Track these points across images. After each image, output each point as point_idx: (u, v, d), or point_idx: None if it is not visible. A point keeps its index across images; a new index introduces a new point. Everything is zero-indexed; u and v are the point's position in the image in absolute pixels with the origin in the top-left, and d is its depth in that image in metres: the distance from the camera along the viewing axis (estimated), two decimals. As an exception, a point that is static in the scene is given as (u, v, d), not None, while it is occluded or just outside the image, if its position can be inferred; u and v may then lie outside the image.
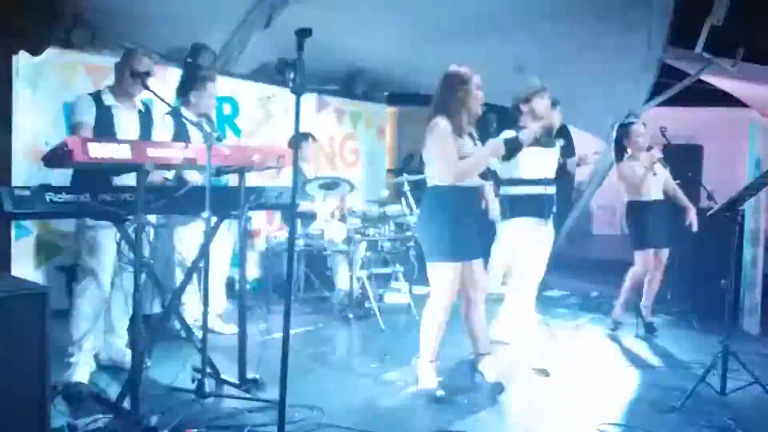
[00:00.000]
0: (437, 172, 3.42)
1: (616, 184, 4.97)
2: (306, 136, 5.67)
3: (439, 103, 3.43)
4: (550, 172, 4.23)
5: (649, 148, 4.77)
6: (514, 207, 4.18)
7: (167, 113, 4.08)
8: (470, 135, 3.51)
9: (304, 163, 5.61)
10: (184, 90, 4.39)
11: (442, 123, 3.35)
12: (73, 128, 3.47)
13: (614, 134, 5.40)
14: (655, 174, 4.73)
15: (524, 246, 4.18)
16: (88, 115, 3.43)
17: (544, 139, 4.11)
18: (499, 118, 5.68)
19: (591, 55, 4.89)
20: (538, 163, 4.16)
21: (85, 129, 3.39)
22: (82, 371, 3.43)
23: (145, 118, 3.69)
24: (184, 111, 4.24)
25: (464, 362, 3.89)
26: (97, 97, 3.52)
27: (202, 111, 4.33)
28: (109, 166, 2.78)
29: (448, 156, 3.33)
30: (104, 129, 3.44)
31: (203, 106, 4.35)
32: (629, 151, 4.86)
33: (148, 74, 3.42)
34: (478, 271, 3.52)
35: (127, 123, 3.55)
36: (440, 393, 3.40)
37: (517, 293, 4.33)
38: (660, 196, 4.81)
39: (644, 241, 4.78)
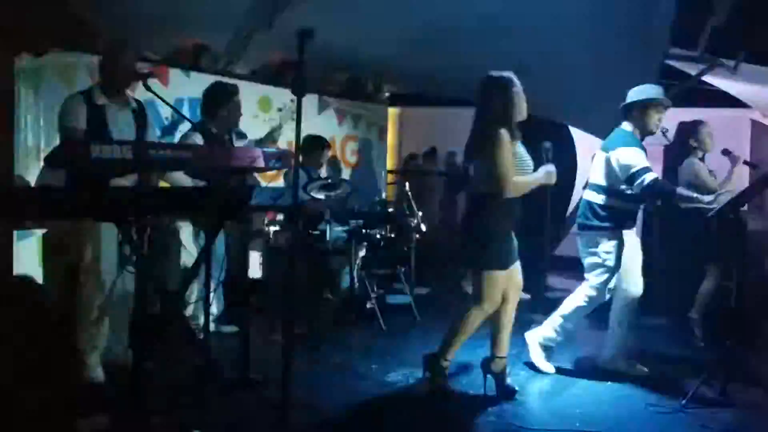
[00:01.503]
0: (495, 184, 3.33)
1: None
2: (323, 142, 5.72)
3: (493, 111, 3.37)
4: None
5: None
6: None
7: (191, 130, 4.04)
8: (520, 141, 3.50)
9: (315, 167, 5.64)
10: (213, 107, 4.22)
11: (504, 134, 3.30)
12: (63, 132, 3.40)
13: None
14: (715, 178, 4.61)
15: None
16: (79, 119, 3.36)
17: None
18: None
19: (592, 57, 4.89)
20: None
21: (77, 134, 3.32)
22: (99, 371, 3.46)
23: (140, 116, 3.63)
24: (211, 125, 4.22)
25: (474, 363, 3.89)
26: (87, 96, 3.45)
27: (231, 123, 4.25)
28: (112, 167, 2.77)
29: (509, 171, 3.30)
30: (97, 129, 3.36)
31: (233, 118, 4.26)
32: (698, 152, 4.65)
33: (149, 75, 3.41)
34: (517, 271, 3.56)
35: (121, 122, 3.48)
36: (451, 391, 3.45)
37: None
38: None
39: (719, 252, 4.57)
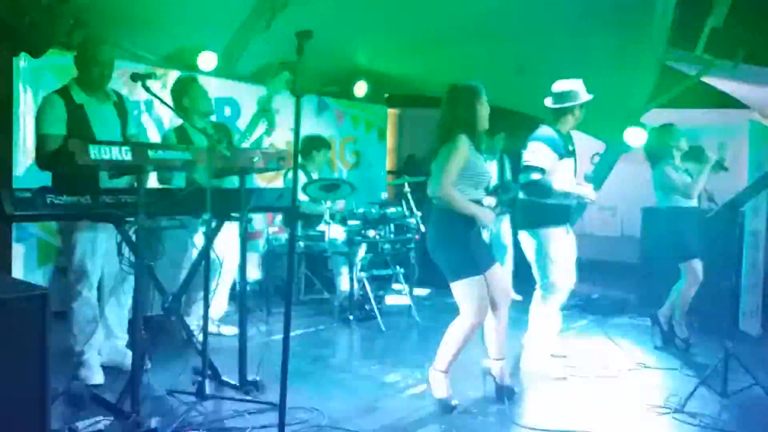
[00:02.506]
0: (432, 185, 3.33)
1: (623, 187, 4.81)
2: (323, 143, 5.71)
3: (456, 118, 3.36)
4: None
5: None
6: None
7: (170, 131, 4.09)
8: (481, 150, 3.47)
9: (315, 168, 5.65)
10: (177, 101, 4.22)
11: (463, 141, 3.29)
12: (40, 139, 3.28)
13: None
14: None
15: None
16: (57, 125, 3.26)
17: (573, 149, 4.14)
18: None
19: (591, 58, 4.89)
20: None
21: (51, 142, 3.21)
22: (98, 372, 3.47)
23: (121, 109, 3.55)
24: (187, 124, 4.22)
25: (473, 365, 3.88)
26: (66, 94, 3.35)
27: (199, 112, 4.21)
28: (110, 168, 2.77)
29: (449, 176, 3.25)
30: (79, 129, 3.27)
31: (199, 107, 4.21)
32: (674, 154, 4.69)
33: (149, 76, 3.36)
34: (498, 274, 3.46)
35: (103, 119, 3.40)
36: (455, 402, 3.35)
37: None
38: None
39: (697, 251, 4.60)
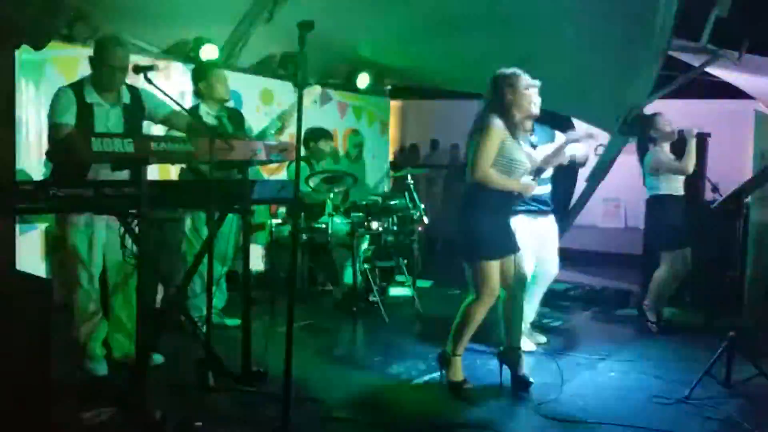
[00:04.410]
0: (469, 169, 3.34)
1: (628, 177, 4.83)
2: (326, 134, 5.72)
3: (489, 105, 3.39)
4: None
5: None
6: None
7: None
8: (522, 137, 3.47)
9: (316, 159, 5.64)
10: (195, 84, 4.39)
11: (496, 123, 3.29)
12: (53, 128, 3.31)
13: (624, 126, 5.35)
14: None
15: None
16: (68, 116, 3.28)
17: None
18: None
19: (595, 48, 4.87)
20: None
21: (65, 131, 3.24)
22: (102, 364, 3.48)
23: (133, 110, 3.51)
24: (202, 106, 4.30)
25: (487, 354, 3.89)
26: (78, 91, 3.35)
27: (216, 97, 4.35)
28: (112, 160, 2.77)
29: (484, 159, 3.26)
30: (83, 128, 3.27)
31: (216, 93, 4.34)
32: (660, 142, 4.70)
33: (150, 68, 3.33)
34: (517, 263, 3.48)
35: (109, 121, 3.39)
36: (468, 386, 3.42)
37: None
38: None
39: (682, 240, 4.66)
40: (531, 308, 4.27)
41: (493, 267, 3.35)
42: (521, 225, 3.94)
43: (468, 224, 3.38)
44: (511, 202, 3.46)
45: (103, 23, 4.67)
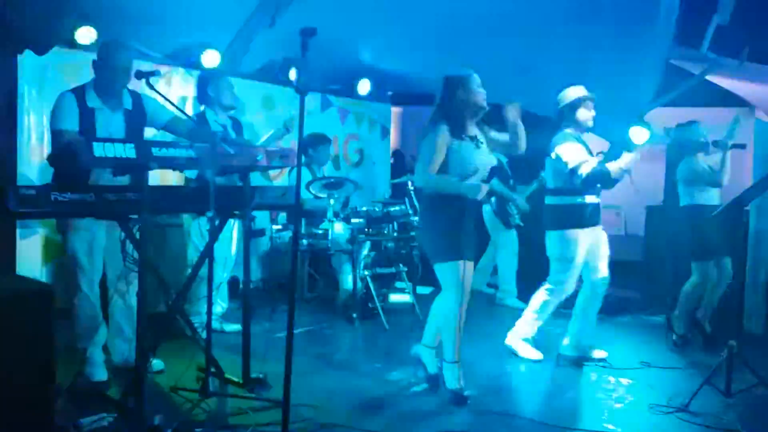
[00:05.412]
0: (417, 176, 3.46)
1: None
2: (326, 140, 5.73)
3: (437, 109, 3.46)
4: None
5: None
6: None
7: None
8: (472, 137, 3.47)
9: (317, 164, 5.66)
10: (201, 89, 4.53)
11: (442, 129, 3.36)
12: (55, 133, 3.33)
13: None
14: None
15: None
16: (70, 121, 3.29)
17: None
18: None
19: (595, 56, 4.88)
20: None
21: (67, 137, 3.24)
22: (103, 371, 3.48)
23: (134, 115, 3.52)
24: (209, 112, 4.40)
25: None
26: (80, 96, 3.35)
27: (223, 104, 4.48)
28: (113, 166, 2.77)
29: (429, 163, 3.33)
30: (85, 133, 3.29)
31: (224, 100, 4.48)
32: (695, 151, 4.71)
33: (152, 74, 3.34)
34: (471, 271, 3.49)
35: (111, 126, 3.39)
36: (468, 393, 3.41)
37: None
38: None
39: (713, 250, 4.62)
40: (589, 323, 4.24)
41: (457, 266, 3.35)
42: (582, 239, 4.03)
43: (430, 226, 3.45)
44: (463, 205, 3.39)
45: (105, 28, 4.69)
